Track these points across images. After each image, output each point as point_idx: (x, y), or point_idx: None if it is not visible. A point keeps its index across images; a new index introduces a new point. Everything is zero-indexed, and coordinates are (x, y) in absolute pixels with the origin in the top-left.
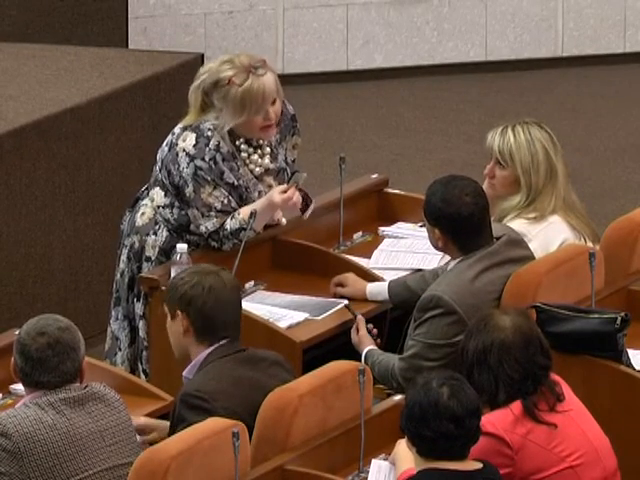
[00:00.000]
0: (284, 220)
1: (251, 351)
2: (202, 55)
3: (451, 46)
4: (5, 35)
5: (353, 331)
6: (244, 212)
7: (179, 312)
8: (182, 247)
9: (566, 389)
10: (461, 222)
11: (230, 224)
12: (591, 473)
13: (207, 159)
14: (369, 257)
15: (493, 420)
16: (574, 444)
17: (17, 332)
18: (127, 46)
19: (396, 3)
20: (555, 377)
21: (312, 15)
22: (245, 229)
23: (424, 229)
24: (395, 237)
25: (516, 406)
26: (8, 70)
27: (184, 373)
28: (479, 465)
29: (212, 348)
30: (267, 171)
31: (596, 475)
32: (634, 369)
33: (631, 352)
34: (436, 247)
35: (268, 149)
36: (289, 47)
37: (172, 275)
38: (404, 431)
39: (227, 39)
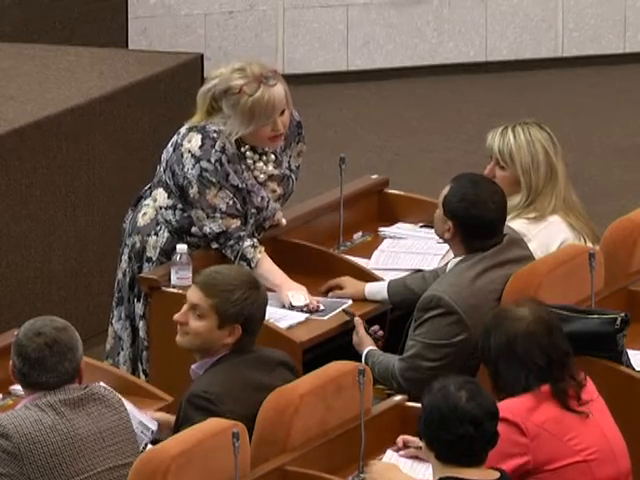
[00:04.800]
0: (284, 221)
1: (260, 351)
2: (202, 55)
3: (451, 46)
4: (5, 35)
5: (354, 332)
6: (267, 265)
7: (238, 326)
8: (182, 248)
9: (591, 385)
10: (480, 226)
11: (248, 249)
12: (605, 471)
13: (213, 160)
14: (369, 257)
15: (511, 406)
16: (589, 439)
17: (16, 333)
18: (127, 46)
19: (396, 4)
20: (580, 369)
21: (312, 15)
22: (251, 265)
23: (424, 230)
24: (395, 237)
25: (535, 394)
26: (8, 70)
27: (193, 367)
28: (496, 475)
29: (230, 351)
30: (271, 177)
31: (610, 473)
32: (634, 369)
33: (631, 352)
34: (440, 235)
35: (273, 156)
36: (289, 47)
37: (173, 276)
38: (422, 436)
39: (227, 39)
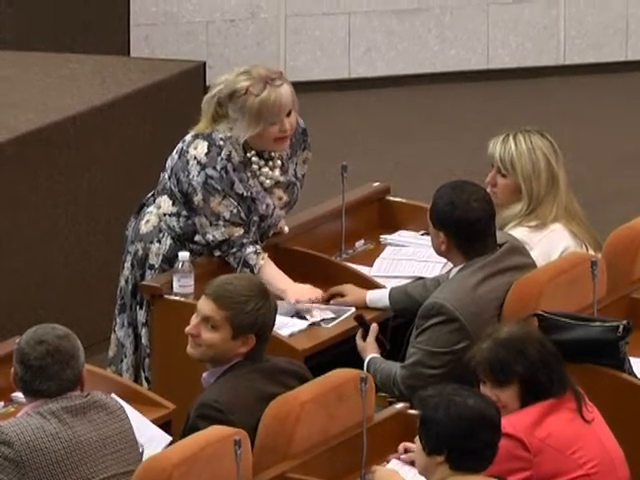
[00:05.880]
0: (286, 228)
1: (273, 361)
2: (204, 63)
3: (453, 54)
4: (7, 43)
5: (358, 337)
6: (270, 271)
7: (252, 336)
8: (184, 255)
9: (586, 398)
10: (467, 227)
11: (251, 255)
12: None
13: (219, 168)
14: (371, 265)
15: (513, 421)
16: (592, 452)
17: (17, 341)
18: (129, 54)
19: (398, 11)
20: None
21: (314, 23)
22: (254, 272)
23: (425, 237)
24: (397, 245)
25: (537, 409)
26: (10, 78)
27: (205, 375)
28: None
29: (242, 359)
30: (277, 184)
31: None
32: (636, 377)
33: (633, 360)
34: (439, 252)
35: (279, 162)
36: (291, 55)
37: (175, 284)
38: (439, 451)
39: (229, 47)
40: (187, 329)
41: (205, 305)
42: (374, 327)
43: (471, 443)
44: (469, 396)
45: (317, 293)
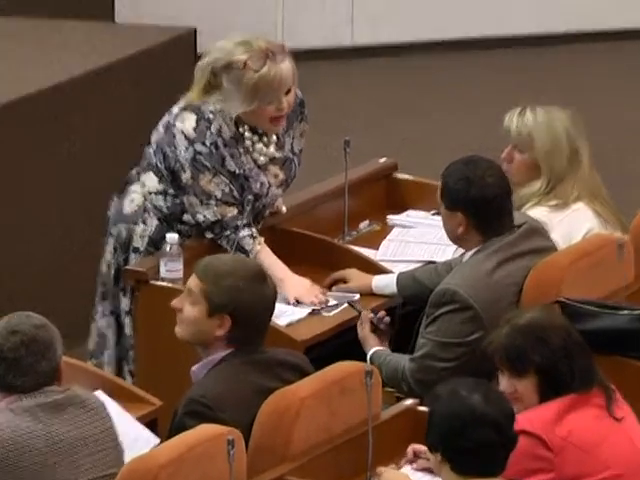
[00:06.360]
0: (284, 208)
1: (270, 353)
2: (195, 30)
3: (464, 21)
4: None
5: (359, 326)
6: (267, 258)
7: (227, 317)
8: (172, 237)
9: (617, 394)
10: (484, 205)
11: (246, 239)
12: None
13: (208, 143)
14: (377, 248)
15: (531, 417)
16: (620, 452)
17: None
18: (113, 20)
19: None
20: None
21: None
22: (248, 255)
23: (436, 218)
24: (405, 226)
25: (557, 404)
26: None
27: (194, 368)
28: None
29: (234, 350)
30: (273, 160)
31: None
32: None
33: None
34: (454, 235)
35: (274, 137)
36: (289, 21)
37: (162, 269)
38: (435, 447)
39: (223, 11)
40: (172, 302)
41: (191, 279)
42: (364, 314)
43: (462, 443)
44: (475, 391)
45: (318, 293)
